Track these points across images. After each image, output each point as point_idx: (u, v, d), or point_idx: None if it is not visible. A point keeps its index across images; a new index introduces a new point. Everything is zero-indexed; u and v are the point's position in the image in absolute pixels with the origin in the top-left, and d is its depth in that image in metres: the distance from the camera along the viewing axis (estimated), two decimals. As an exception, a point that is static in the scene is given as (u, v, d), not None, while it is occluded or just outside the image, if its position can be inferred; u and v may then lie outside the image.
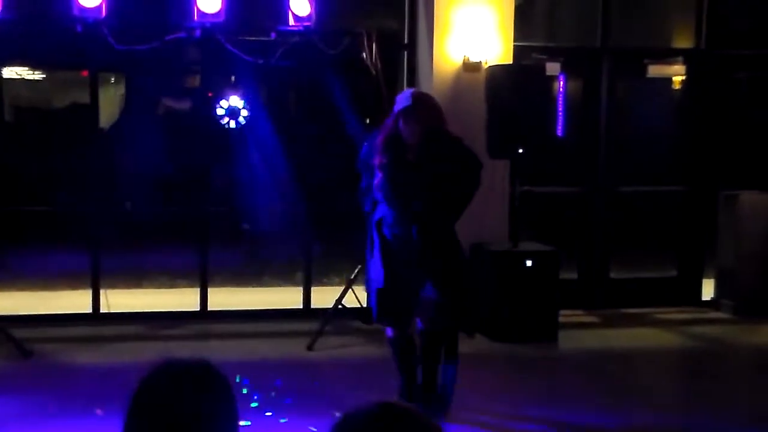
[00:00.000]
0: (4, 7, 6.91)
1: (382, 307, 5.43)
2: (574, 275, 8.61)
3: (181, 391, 2.06)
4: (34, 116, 11.85)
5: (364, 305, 7.66)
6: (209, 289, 8.03)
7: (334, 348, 7.19)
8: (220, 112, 7.96)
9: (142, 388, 2.08)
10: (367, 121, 9.03)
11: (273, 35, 7.76)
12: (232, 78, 8.38)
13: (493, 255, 7.51)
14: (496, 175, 7.77)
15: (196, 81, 10.09)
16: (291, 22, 7.46)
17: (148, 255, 9.55)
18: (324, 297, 7.96)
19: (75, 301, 8.02)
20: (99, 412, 4.79)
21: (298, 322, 7.84)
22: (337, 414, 1.78)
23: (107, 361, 6.73)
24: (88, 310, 7.80)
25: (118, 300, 8.05)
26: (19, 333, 6.93)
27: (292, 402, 5.78)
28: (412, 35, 8.16)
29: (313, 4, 7.34)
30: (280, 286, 9.32)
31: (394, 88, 8.33)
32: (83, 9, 7.06)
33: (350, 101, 8.38)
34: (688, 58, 9.05)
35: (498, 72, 7.56)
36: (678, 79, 9.47)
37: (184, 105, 10.36)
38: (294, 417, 5.50)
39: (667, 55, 9.53)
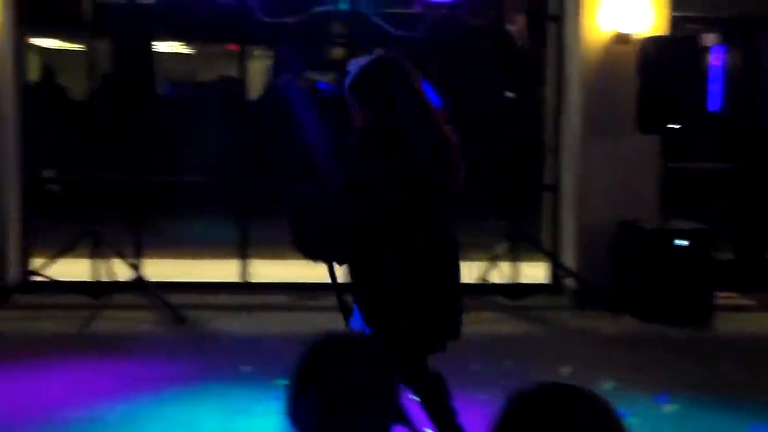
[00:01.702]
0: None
1: None
2: (730, 256, 8.28)
3: (344, 362, 2.06)
4: (186, 89, 12.18)
5: (509, 281, 7.63)
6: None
7: (480, 323, 7.14)
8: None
9: (308, 359, 2.09)
10: (511, 94, 8.87)
11: (419, 8, 7.73)
12: (378, 50, 8.38)
13: (643, 233, 7.30)
14: (646, 150, 7.57)
15: (340, 54, 10.15)
16: (438, -6, 7.42)
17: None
18: (466, 272, 7.90)
19: (224, 269, 8.22)
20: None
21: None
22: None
23: (256, 329, 6.88)
24: (238, 278, 7.99)
25: (266, 270, 8.22)
26: (174, 299, 7.17)
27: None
28: (560, 6, 7.97)
29: (461, -24, 7.28)
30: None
31: (542, 62, 8.20)
32: (235, -17, 7.22)
33: (495, 75, 8.28)
34: None
35: (650, 44, 7.31)
36: None
37: (329, 78, 10.44)
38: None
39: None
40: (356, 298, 3.88)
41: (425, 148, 3.71)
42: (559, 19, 7.99)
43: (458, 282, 3.95)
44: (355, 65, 3.84)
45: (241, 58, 8.28)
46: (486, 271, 7.48)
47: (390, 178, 3.66)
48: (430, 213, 3.81)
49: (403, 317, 3.76)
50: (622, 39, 7.60)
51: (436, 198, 3.82)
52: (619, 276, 7.48)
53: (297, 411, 2.02)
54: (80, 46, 8.81)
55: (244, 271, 8.02)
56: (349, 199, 3.71)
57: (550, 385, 1.81)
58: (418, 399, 3.90)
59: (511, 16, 7.66)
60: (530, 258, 8.04)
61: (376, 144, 3.69)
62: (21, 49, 7.75)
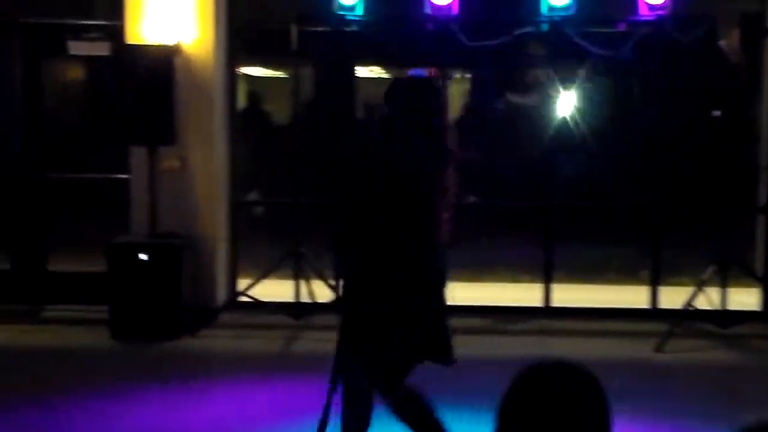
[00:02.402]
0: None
1: None
2: None
3: (555, 390, 1.99)
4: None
5: (717, 307, 7.27)
6: (552, 285, 7.95)
7: (685, 351, 6.83)
8: (566, 105, 7.84)
9: (517, 386, 2.02)
10: (718, 113, 8.52)
11: (622, 26, 7.53)
12: (580, 71, 8.22)
13: None
14: None
15: (540, 75, 10.03)
16: (642, 11, 7.19)
17: (491, 248, 9.63)
18: (672, 297, 7.61)
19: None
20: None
21: (644, 322, 7.55)
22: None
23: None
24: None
25: (461, 293, 8.18)
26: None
27: (643, 406, 5.54)
28: (777, 18, 7.55)
29: (668, -9, 7.03)
30: (623, 284, 9.03)
31: (757, 78, 7.79)
32: (436, 7, 7.26)
33: (705, 93, 7.94)
34: None
35: None
36: None
37: (530, 99, 10.34)
38: (645, 424, 5.27)
39: None
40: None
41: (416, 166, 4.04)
42: (775, 33, 7.57)
43: (430, 304, 4.14)
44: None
45: (441, 82, 8.30)
46: (692, 297, 7.14)
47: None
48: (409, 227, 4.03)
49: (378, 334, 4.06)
50: None
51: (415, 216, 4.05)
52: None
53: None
54: (284, 73, 9.11)
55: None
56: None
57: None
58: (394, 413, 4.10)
59: (724, 32, 7.32)
60: (741, 284, 7.64)
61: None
62: (233, 80, 8.07)
